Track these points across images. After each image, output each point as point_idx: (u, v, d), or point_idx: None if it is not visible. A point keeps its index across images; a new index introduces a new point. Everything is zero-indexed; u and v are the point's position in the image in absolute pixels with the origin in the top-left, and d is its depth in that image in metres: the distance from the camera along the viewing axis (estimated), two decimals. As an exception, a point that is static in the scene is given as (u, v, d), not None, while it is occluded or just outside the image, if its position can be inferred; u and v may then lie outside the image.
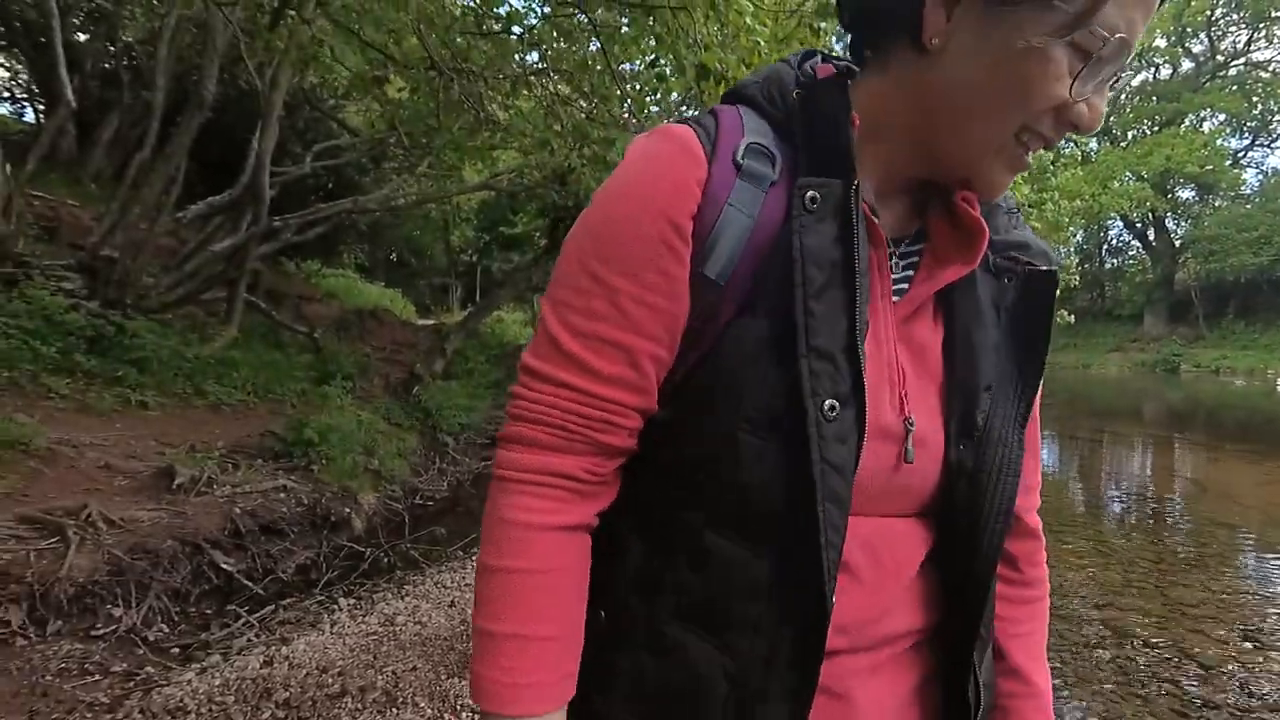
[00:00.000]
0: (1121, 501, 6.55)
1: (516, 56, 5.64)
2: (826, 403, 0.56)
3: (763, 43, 3.48)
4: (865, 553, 0.61)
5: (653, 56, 4.81)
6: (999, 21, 0.55)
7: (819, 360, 0.56)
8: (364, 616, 3.23)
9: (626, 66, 5.41)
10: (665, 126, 0.62)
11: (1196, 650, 3.26)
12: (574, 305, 0.60)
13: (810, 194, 0.57)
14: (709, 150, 0.60)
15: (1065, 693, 2.92)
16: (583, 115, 5.65)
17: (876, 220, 0.61)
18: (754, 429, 0.57)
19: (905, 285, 0.65)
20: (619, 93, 5.18)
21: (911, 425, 0.62)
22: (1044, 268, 0.68)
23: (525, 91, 5.47)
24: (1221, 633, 3.43)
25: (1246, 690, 2.91)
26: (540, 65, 5.54)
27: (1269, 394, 18.12)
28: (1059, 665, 3.14)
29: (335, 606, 3.30)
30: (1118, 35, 0.53)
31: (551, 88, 5.73)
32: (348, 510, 4.00)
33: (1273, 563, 4.58)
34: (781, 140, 0.62)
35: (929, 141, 0.61)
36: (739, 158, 0.60)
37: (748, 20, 3.45)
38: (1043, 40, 0.54)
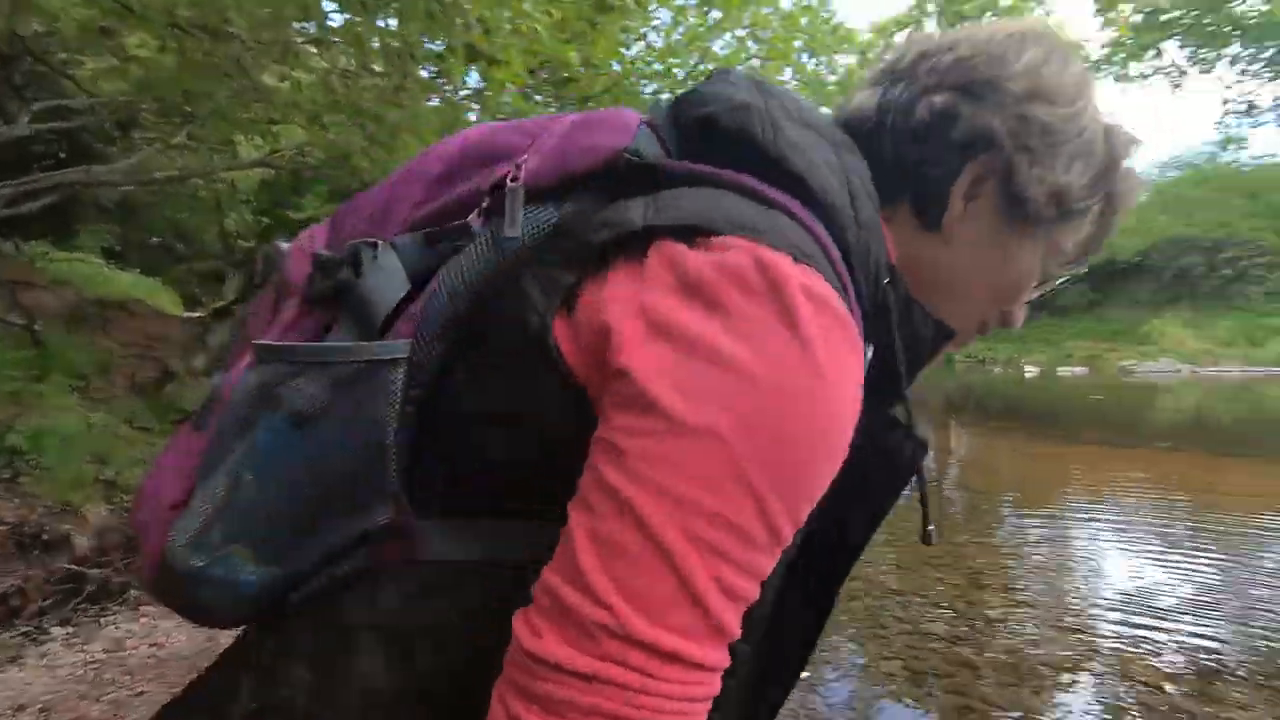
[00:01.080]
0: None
1: (295, 25, 5.16)
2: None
3: (542, 30, 3.50)
4: None
5: (440, 42, 4.65)
6: (1014, 222, 0.58)
7: None
8: (84, 644, 2.80)
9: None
10: (822, 291, 0.42)
11: (938, 597, 3.78)
12: (740, 563, 0.40)
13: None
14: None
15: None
16: (370, 92, 5.31)
17: None
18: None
19: None
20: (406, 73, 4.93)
21: None
22: (920, 434, 0.61)
23: (296, 57, 5.02)
24: (958, 580, 3.97)
25: (980, 628, 3.44)
26: (314, 34, 5.12)
27: (1019, 381, 21.80)
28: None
29: (46, 637, 2.83)
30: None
31: (329, 62, 5.31)
32: (66, 528, 3.43)
33: (1012, 522, 5.44)
34: None
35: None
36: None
37: (526, 7, 3.45)
38: (1041, 246, 0.59)
